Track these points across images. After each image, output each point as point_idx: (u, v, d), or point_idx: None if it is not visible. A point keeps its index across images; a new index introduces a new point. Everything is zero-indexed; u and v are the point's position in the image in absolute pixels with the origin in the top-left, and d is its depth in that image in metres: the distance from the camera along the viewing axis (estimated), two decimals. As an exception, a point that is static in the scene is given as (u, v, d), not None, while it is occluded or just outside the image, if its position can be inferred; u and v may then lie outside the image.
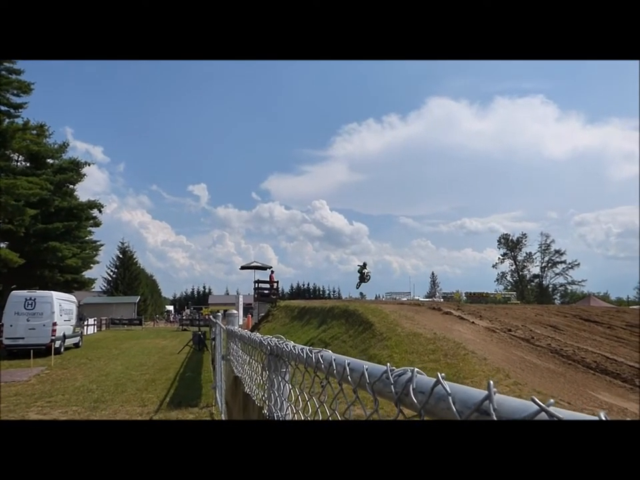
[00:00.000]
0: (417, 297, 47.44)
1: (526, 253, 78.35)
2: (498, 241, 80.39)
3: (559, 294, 76.39)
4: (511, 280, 79.06)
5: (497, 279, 78.70)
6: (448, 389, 0.63)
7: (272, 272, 31.75)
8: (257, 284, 30.81)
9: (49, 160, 38.50)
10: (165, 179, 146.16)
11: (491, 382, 0.54)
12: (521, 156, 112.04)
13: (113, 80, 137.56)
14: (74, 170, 39.48)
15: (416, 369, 0.78)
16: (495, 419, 0.52)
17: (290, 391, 1.94)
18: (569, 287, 74.85)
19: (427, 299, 46.34)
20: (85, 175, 40.88)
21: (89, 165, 41.44)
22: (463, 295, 51.70)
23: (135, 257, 64.88)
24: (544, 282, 76.93)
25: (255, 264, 34.24)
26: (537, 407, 0.48)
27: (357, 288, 30.73)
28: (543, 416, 0.48)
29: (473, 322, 12.33)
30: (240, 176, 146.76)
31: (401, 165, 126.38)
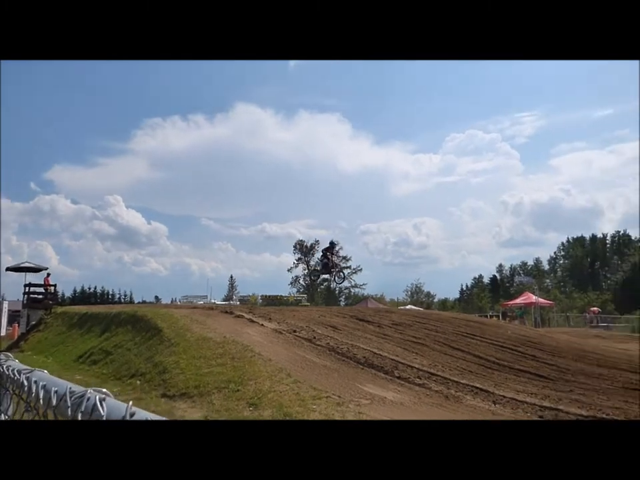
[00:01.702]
0: (213, 300, 46.97)
1: (318, 258, 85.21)
2: (294, 247, 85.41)
3: (343, 296, 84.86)
4: (303, 283, 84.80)
5: (291, 282, 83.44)
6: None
7: (48, 274, 28.04)
8: (27, 288, 26.75)
9: None
10: None
11: (107, 391, 0.52)
12: (318, 168, 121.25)
13: None
14: None
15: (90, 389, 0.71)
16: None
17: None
18: (352, 290, 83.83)
19: (224, 302, 46.36)
20: None
21: None
22: (259, 297, 53.34)
23: None
24: (331, 285, 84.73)
25: (26, 264, 29.56)
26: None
27: (316, 280, 21.67)
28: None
29: (262, 324, 12.77)
30: (16, 161, 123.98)
31: (205, 166, 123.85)
